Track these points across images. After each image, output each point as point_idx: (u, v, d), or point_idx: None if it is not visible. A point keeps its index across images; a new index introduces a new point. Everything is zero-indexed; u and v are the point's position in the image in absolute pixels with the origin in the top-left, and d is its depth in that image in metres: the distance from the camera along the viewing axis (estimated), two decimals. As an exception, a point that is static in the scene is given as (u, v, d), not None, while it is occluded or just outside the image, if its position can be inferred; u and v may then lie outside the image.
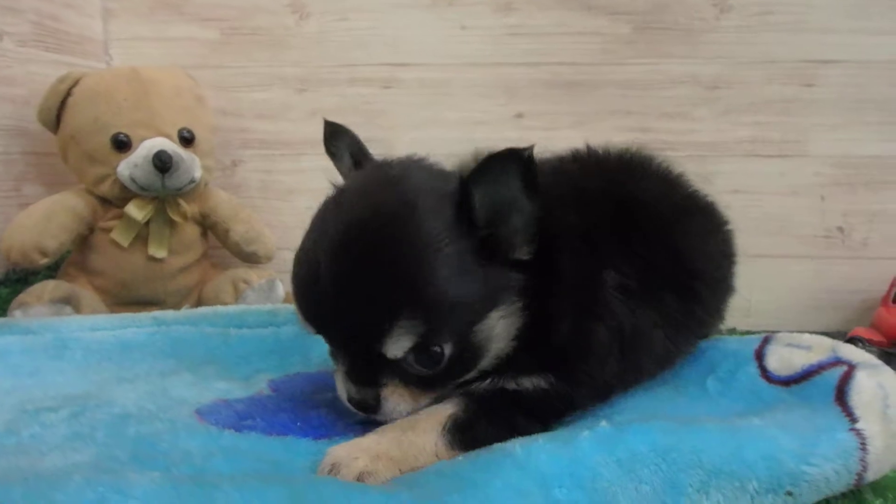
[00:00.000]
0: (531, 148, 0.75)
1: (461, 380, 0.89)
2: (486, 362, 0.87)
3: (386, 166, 0.91)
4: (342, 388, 0.89)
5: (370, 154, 0.98)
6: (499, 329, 0.85)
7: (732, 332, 1.89)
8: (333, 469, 0.75)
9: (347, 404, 0.89)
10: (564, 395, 0.91)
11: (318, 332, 0.87)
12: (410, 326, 0.78)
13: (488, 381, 0.89)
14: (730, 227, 1.18)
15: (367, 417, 0.89)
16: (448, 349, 0.82)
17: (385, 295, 0.78)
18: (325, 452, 0.78)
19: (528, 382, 0.90)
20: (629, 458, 0.72)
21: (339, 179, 0.97)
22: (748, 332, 1.89)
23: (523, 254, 0.85)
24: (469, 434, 0.83)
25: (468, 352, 0.84)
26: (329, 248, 0.81)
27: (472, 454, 0.78)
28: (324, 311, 0.84)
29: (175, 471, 0.76)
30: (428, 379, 0.85)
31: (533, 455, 0.72)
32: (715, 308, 1.13)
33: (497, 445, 0.77)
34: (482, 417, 0.86)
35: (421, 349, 0.80)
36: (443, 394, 0.89)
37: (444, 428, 0.83)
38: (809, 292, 1.94)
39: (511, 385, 0.89)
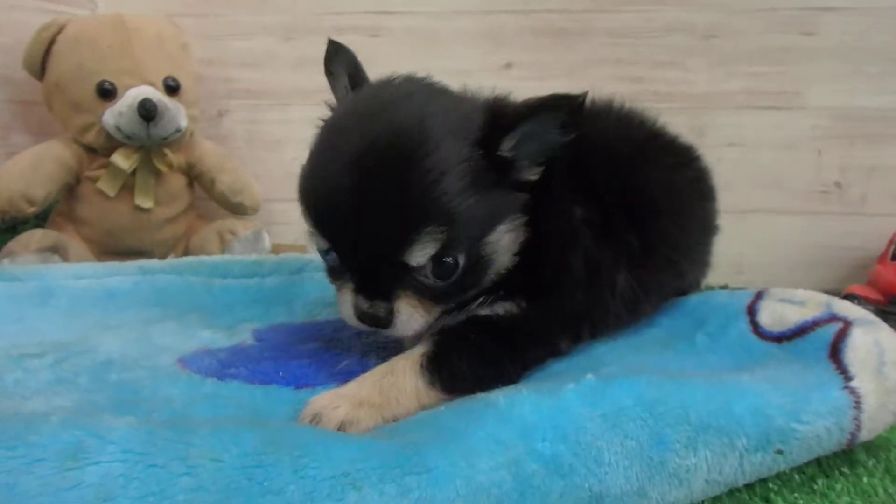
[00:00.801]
0: (584, 95, 0.83)
1: (468, 294, 0.91)
2: (490, 276, 0.90)
3: (396, 83, 0.91)
4: (350, 306, 0.87)
5: (367, 76, 0.99)
6: (504, 242, 0.89)
7: (724, 288, 1.89)
8: (315, 418, 0.74)
9: (356, 322, 0.88)
10: (534, 320, 0.93)
11: (334, 245, 0.86)
12: (434, 234, 0.80)
13: (464, 311, 0.93)
14: (702, 163, 1.20)
15: (372, 339, 0.92)
16: (462, 259, 0.85)
17: (412, 204, 0.80)
18: (307, 402, 0.78)
19: (501, 308, 0.92)
20: (614, 411, 0.71)
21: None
22: (741, 289, 1.90)
23: (532, 174, 0.90)
24: (445, 369, 0.85)
25: (478, 264, 0.87)
26: (352, 161, 0.81)
27: (456, 403, 0.78)
28: (345, 223, 0.83)
29: (157, 416, 0.77)
30: (440, 291, 0.87)
31: (516, 406, 0.71)
32: (686, 247, 1.12)
33: (481, 395, 0.76)
34: (454, 350, 0.87)
35: (438, 258, 0.83)
36: (449, 309, 0.91)
37: (421, 367, 0.84)
38: (804, 249, 1.92)
39: (484, 311, 0.92)
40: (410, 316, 0.87)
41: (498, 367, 0.89)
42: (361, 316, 0.87)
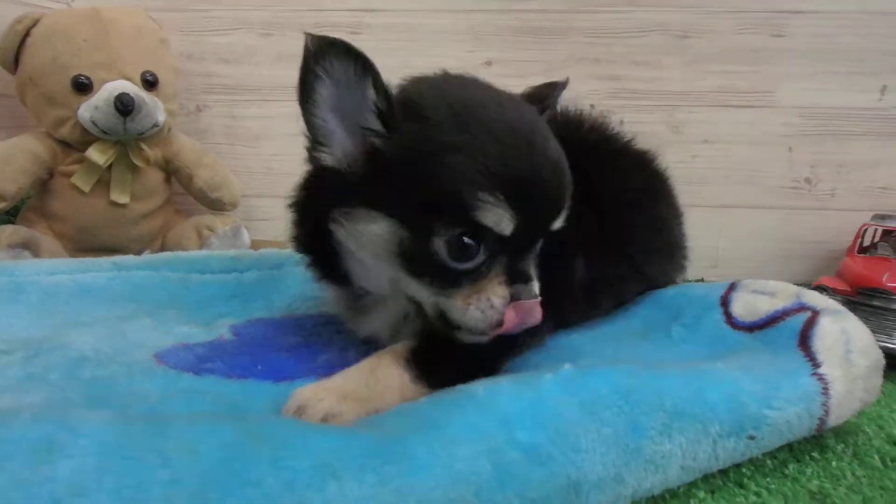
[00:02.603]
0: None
1: None
2: None
3: (476, 81, 0.94)
4: (501, 298, 0.83)
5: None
6: None
7: (701, 281, 1.92)
8: (299, 410, 0.74)
9: (500, 318, 0.84)
10: None
11: (522, 227, 0.82)
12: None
13: None
14: (656, 166, 1.26)
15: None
16: None
17: (570, 179, 0.88)
18: (291, 394, 0.77)
19: None
20: (591, 399, 0.72)
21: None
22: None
23: None
24: (431, 363, 0.85)
25: None
26: (544, 152, 0.84)
27: (436, 395, 0.78)
28: (546, 204, 0.85)
29: (131, 412, 0.75)
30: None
31: (495, 396, 0.71)
32: (641, 243, 1.17)
33: (461, 387, 0.76)
34: (438, 343, 0.87)
35: None
36: None
37: (406, 360, 0.84)
38: (777, 242, 1.95)
39: None
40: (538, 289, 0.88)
41: (481, 358, 0.89)
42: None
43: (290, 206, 0.96)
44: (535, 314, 0.84)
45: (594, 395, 0.72)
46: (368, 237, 0.85)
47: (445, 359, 0.86)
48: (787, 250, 1.95)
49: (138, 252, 1.61)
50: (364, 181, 0.83)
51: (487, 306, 0.83)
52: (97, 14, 1.69)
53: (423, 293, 0.86)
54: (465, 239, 0.81)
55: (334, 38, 0.79)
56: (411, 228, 0.82)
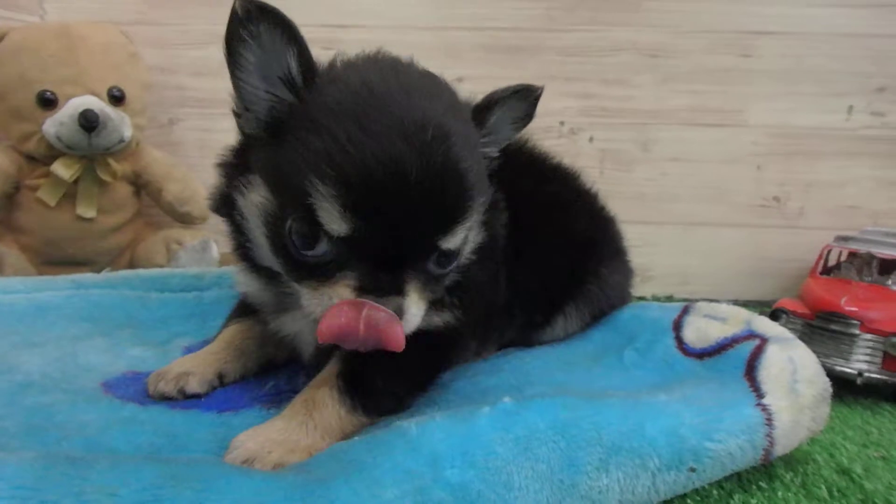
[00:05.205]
0: (541, 89, 0.96)
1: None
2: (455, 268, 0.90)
3: (391, 61, 0.89)
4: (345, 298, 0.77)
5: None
6: (471, 237, 0.89)
7: (670, 298, 1.93)
8: (247, 462, 0.72)
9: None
10: (457, 326, 0.94)
11: (371, 225, 0.75)
12: (473, 216, 0.81)
13: None
14: (576, 184, 1.24)
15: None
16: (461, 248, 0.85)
17: (464, 189, 0.78)
18: (233, 445, 0.75)
19: (439, 318, 0.92)
20: (526, 435, 0.71)
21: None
22: (686, 300, 1.93)
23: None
24: (363, 389, 0.83)
25: (460, 255, 0.87)
26: (415, 150, 0.74)
27: (370, 433, 0.77)
28: (402, 199, 0.74)
29: (66, 444, 0.75)
30: (437, 279, 0.84)
31: (426, 434, 0.70)
32: (550, 258, 1.13)
33: (395, 423, 0.75)
34: (366, 365, 0.85)
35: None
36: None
37: (339, 391, 0.82)
38: (746, 260, 1.97)
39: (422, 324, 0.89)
40: (417, 311, 0.80)
41: (416, 378, 0.89)
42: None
43: (217, 165, 0.91)
44: (390, 335, 0.74)
45: (530, 431, 0.71)
46: (250, 207, 0.83)
47: (375, 381, 0.85)
48: (756, 268, 1.97)
49: (99, 270, 1.60)
50: (262, 149, 0.81)
51: (333, 299, 0.77)
52: (66, 29, 1.69)
53: (286, 276, 0.84)
54: (304, 226, 0.77)
55: (264, 3, 0.77)
56: (278, 204, 0.80)
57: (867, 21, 1.82)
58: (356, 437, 0.77)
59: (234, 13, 0.77)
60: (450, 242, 0.79)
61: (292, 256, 0.79)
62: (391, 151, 0.73)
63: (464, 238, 0.82)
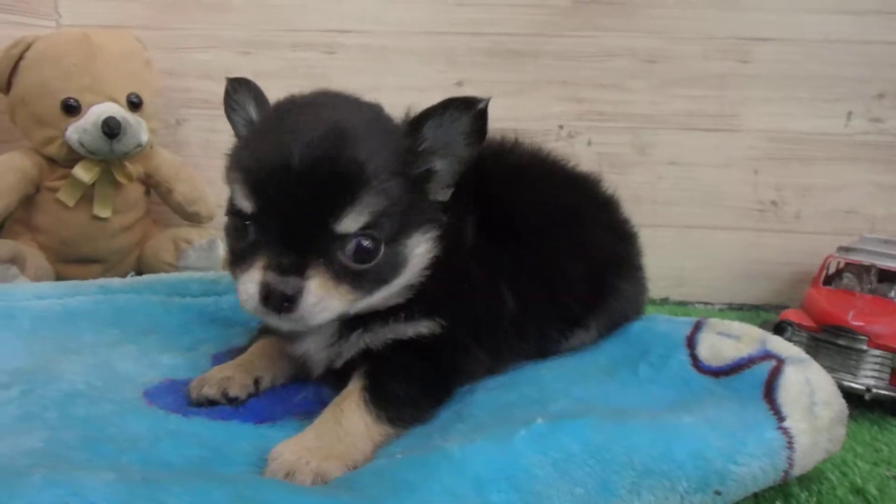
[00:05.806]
0: (487, 101, 0.90)
1: (374, 294, 0.92)
2: (401, 281, 0.94)
3: (316, 92, 1.00)
4: (255, 283, 0.84)
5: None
6: (419, 250, 0.94)
7: (665, 301, 1.96)
8: (288, 475, 0.75)
9: (257, 304, 0.85)
10: (455, 337, 0.98)
11: (265, 207, 0.87)
12: (369, 204, 0.86)
13: (387, 326, 0.96)
14: (592, 190, 1.26)
15: (273, 322, 0.90)
16: (382, 247, 0.89)
17: (355, 171, 0.86)
18: (272, 455, 0.78)
19: (424, 328, 0.97)
20: (563, 458, 0.73)
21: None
22: (682, 303, 1.96)
23: (443, 196, 0.97)
24: (386, 400, 0.88)
25: (394, 260, 0.91)
26: (303, 140, 0.86)
27: (411, 452, 0.79)
28: (287, 182, 0.85)
29: (124, 457, 0.78)
30: (354, 275, 0.88)
31: (469, 457, 0.72)
32: (564, 269, 1.14)
33: (436, 444, 0.78)
34: (388, 378, 0.92)
35: (363, 237, 0.87)
36: (357, 303, 0.91)
37: (365, 402, 0.87)
38: (741, 264, 1.98)
39: (408, 332, 0.97)
40: (320, 298, 0.85)
41: (432, 388, 0.94)
42: (268, 293, 0.83)
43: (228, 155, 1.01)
44: (294, 307, 0.83)
45: (566, 454, 0.74)
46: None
47: (399, 392, 0.90)
48: (752, 271, 1.98)
49: (118, 263, 1.64)
50: None
51: (244, 289, 0.86)
52: (86, 38, 1.74)
53: (231, 273, 0.95)
54: (235, 220, 0.91)
55: (238, 77, 1.03)
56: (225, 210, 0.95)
57: (865, 28, 1.84)
58: (398, 455, 0.79)
59: (225, 88, 1.04)
60: (343, 227, 0.85)
61: (233, 251, 0.93)
62: (282, 142, 0.87)
63: (373, 232, 0.88)
